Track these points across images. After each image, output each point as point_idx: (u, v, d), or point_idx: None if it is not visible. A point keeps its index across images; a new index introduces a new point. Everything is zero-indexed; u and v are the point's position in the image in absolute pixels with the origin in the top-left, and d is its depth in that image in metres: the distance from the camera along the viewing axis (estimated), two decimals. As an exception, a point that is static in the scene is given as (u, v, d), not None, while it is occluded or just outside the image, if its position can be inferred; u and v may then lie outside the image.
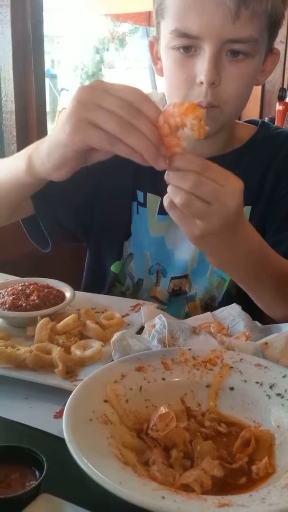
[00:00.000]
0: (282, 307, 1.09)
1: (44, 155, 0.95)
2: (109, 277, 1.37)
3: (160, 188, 1.25)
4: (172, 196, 0.84)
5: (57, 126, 0.95)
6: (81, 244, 1.44)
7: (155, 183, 1.25)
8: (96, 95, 0.82)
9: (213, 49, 1.05)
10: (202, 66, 1.06)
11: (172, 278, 1.32)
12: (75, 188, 1.17)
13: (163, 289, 1.33)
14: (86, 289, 1.38)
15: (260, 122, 1.34)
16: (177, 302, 1.33)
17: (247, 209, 1.24)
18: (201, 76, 1.06)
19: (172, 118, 0.81)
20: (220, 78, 1.08)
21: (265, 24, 1.09)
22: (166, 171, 0.83)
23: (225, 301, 1.28)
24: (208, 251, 0.96)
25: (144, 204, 1.31)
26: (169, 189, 0.84)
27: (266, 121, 1.45)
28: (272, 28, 1.12)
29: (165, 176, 0.83)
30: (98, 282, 1.39)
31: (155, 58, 1.22)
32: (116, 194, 1.32)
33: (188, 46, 1.08)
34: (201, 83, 1.07)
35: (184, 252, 1.30)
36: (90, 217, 1.34)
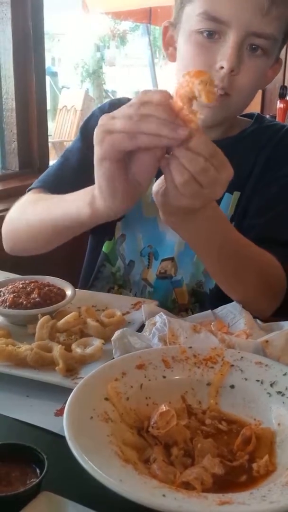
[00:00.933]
0: (254, 299, 1.13)
1: (97, 188, 0.93)
2: (100, 257, 1.38)
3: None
4: (175, 171, 0.84)
5: None
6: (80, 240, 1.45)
7: None
8: (107, 118, 0.85)
9: (238, 38, 1.08)
10: (225, 51, 1.09)
11: (162, 260, 1.33)
12: (82, 170, 1.19)
13: (153, 272, 1.34)
14: (85, 277, 1.38)
15: (256, 114, 1.36)
16: (163, 287, 1.33)
17: (236, 195, 1.27)
18: (223, 61, 1.09)
19: (182, 89, 0.81)
20: (239, 68, 1.10)
21: (283, 29, 1.14)
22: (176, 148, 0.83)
23: (219, 288, 1.29)
24: (176, 225, 0.99)
25: None
26: (174, 164, 0.83)
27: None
28: (286, 36, 1.17)
29: (176, 152, 0.83)
30: (93, 266, 1.41)
31: (167, 44, 1.24)
32: None
33: (212, 32, 1.10)
34: (221, 68, 1.09)
35: (174, 233, 1.30)
36: None
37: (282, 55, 1.24)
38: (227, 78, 1.10)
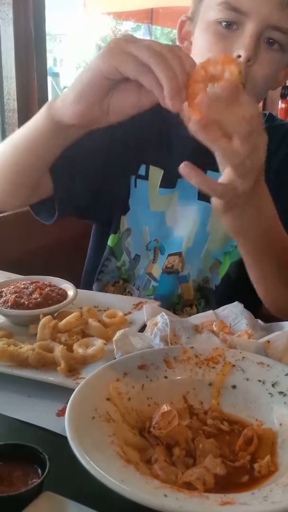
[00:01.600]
0: (282, 294, 1.09)
1: (70, 87, 0.93)
2: (105, 251, 1.38)
3: (163, 161, 1.25)
4: (242, 139, 0.80)
5: None
6: (82, 233, 1.44)
7: (159, 156, 1.26)
8: (131, 40, 0.84)
9: (256, 29, 1.09)
10: (243, 41, 1.10)
11: (168, 255, 1.32)
12: (88, 157, 1.20)
13: (159, 266, 1.33)
14: (87, 272, 1.38)
15: (268, 113, 1.36)
16: (169, 281, 1.33)
17: None
18: (240, 50, 1.09)
19: (212, 66, 0.82)
20: (256, 59, 1.11)
21: None
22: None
23: (224, 284, 1.29)
24: (231, 213, 0.94)
25: (146, 177, 1.32)
26: (239, 136, 0.80)
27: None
28: None
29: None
30: (99, 260, 1.40)
31: (183, 38, 1.25)
32: (119, 168, 1.32)
33: (231, 22, 1.11)
34: (238, 56, 1.09)
35: (182, 229, 1.30)
36: (99, 191, 1.33)
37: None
38: (243, 67, 1.09)
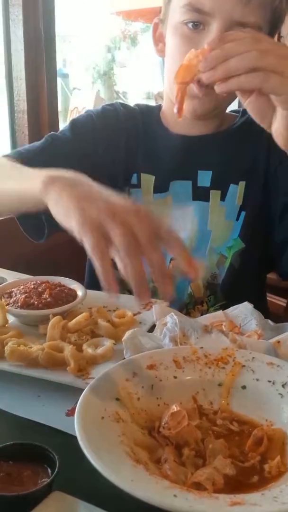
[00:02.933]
0: None
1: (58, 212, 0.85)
2: None
3: (153, 167, 1.25)
4: (245, 59, 0.81)
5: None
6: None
7: (149, 162, 1.27)
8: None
9: (221, 27, 1.09)
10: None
11: (172, 259, 1.32)
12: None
13: None
14: (90, 281, 1.38)
15: (241, 109, 1.36)
16: (178, 283, 1.33)
17: (242, 184, 1.29)
18: None
19: (195, 58, 0.86)
20: None
21: (269, 18, 1.14)
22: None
23: (229, 275, 1.29)
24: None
25: (138, 185, 1.32)
26: (235, 60, 0.82)
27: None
28: (274, 24, 1.17)
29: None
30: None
31: (157, 40, 1.28)
32: (111, 182, 1.30)
33: (197, 22, 1.12)
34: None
35: (182, 231, 1.30)
36: None
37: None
38: None
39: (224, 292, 1.29)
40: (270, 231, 1.29)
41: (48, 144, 1.33)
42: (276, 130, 0.91)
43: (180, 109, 0.95)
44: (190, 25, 1.13)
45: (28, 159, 1.25)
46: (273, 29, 1.18)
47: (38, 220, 1.22)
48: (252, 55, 0.81)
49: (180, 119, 0.97)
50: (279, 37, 3.50)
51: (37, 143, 1.33)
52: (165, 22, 1.21)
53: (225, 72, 0.83)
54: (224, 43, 0.83)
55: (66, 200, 0.81)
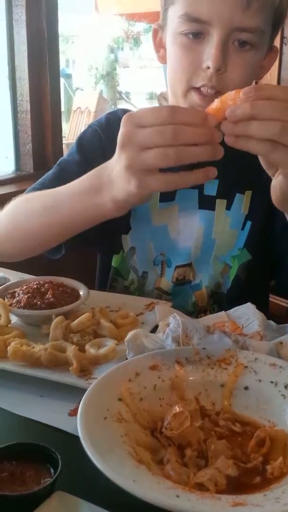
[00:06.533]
0: None
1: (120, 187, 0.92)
2: (110, 272, 1.37)
3: None
4: (265, 129, 0.80)
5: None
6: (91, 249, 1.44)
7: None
8: (133, 134, 0.85)
9: (221, 36, 1.06)
10: (209, 51, 1.08)
11: (176, 267, 1.32)
12: None
13: (167, 279, 1.33)
14: (100, 289, 1.38)
15: None
16: (182, 292, 1.33)
17: (248, 194, 1.28)
18: (208, 61, 1.07)
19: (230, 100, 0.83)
20: (226, 66, 1.09)
21: (270, 18, 1.12)
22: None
23: (235, 287, 1.29)
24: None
25: None
26: (257, 125, 0.81)
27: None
28: (276, 24, 1.15)
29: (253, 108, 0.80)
30: (106, 279, 1.40)
31: (158, 46, 1.24)
32: None
33: (196, 32, 1.09)
34: (207, 68, 1.08)
35: (188, 239, 1.30)
36: None
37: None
38: (215, 77, 1.08)
39: (229, 303, 1.29)
40: (273, 242, 1.29)
41: (59, 172, 1.32)
42: (274, 186, 0.92)
43: None
44: (190, 35, 1.10)
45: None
46: (276, 27, 1.16)
47: None
48: (275, 128, 0.79)
49: None
50: (282, 38, 3.51)
51: (48, 174, 1.33)
52: (165, 28, 1.19)
53: (242, 132, 0.81)
54: (257, 96, 0.80)
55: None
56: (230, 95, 0.83)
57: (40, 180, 1.33)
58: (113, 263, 1.36)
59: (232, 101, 0.82)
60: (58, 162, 1.36)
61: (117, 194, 0.93)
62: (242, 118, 0.80)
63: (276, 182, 0.91)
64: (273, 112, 0.79)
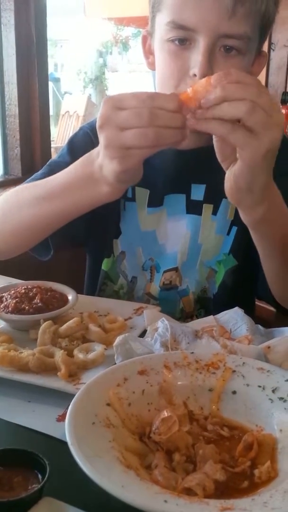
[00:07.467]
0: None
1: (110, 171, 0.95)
2: (100, 276, 1.38)
3: (148, 181, 1.27)
4: (235, 108, 0.82)
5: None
6: (78, 249, 1.44)
7: (144, 176, 1.28)
8: (112, 115, 0.87)
9: (207, 43, 1.07)
10: (196, 58, 1.08)
11: (164, 271, 1.33)
12: None
13: (156, 284, 1.33)
14: (88, 293, 1.38)
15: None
16: (169, 297, 1.33)
17: None
18: (195, 68, 1.08)
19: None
20: (213, 72, 1.07)
21: (258, 24, 1.12)
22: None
23: (222, 292, 1.29)
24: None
25: (133, 199, 1.32)
26: (227, 105, 0.83)
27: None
28: (264, 29, 1.15)
29: (223, 91, 0.82)
30: (96, 283, 1.40)
31: (147, 53, 1.25)
32: None
33: (183, 39, 1.09)
34: (194, 75, 1.08)
35: (175, 244, 1.30)
36: (91, 218, 1.33)
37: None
38: None
39: (216, 308, 1.28)
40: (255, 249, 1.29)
41: (49, 172, 1.29)
42: (227, 177, 0.92)
43: None
44: (176, 42, 1.10)
45: None
46: (263, 33, 1.16)
47: (45, 240, 1.22)
48: (245, 106, 0.81)
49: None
50: (270, 43, 3.52)
51: (37, 174, 1.32)
52: (153, 35, 1.19)
53: (214, 115, 0.83)
54: (227, 81, 0.83)
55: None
56: (201, 83, 0.85)
57: (29, 179, 1.33)
58: (103, 267, 1.36)
59: (203, 87, 0.84)
60: (48, 163, 1.36)
61: (107, 175, 0.94)
62: (215, 102, 0.82)
63: (230, 172, 0.91)
64: (243, 93, 0.82)
